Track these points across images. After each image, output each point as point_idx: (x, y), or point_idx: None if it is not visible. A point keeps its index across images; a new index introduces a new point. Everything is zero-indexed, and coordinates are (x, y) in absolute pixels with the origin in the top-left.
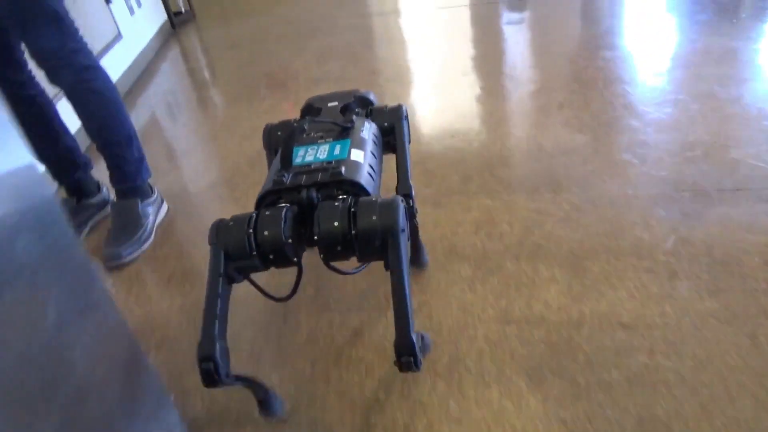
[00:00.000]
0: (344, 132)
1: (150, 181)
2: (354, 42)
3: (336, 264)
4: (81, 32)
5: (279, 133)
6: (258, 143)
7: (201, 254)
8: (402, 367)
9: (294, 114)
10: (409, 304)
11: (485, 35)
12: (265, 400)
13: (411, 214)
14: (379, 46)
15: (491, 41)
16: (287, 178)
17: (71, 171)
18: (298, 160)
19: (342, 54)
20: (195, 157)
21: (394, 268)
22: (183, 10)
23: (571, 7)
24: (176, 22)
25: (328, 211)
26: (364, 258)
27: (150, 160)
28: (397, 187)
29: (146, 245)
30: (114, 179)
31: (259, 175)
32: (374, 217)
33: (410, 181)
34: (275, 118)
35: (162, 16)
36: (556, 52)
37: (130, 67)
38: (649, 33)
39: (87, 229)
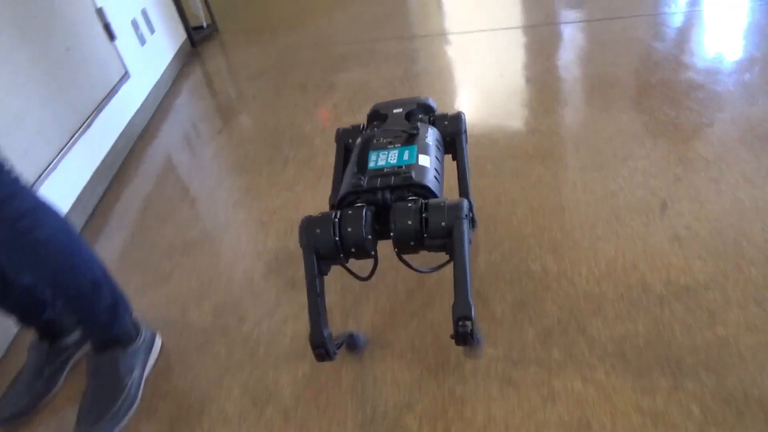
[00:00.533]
0: (411, 138)
1: (135, 314)
2: (392, 77)
3: (406, 257)
4: (14, 173)
5: (350, 140)
6: (279, 240)
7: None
8: (459, 337)
9: (328, 120)
10: (468, 277)
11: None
12: (353, 343)
13: (471, 223)
14: (424, 84)
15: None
16: (364, 181)
17: (38, 311)
18: (371, 164)
19: (378, 94)
20: (199, 256)
21: (457, 252)
22: (205, 24)
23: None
24: (197, 38)
25: (403, 211)
26: (432, 250)
27: (144, 258)
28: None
29: (128, 416)
30: (85, 334)
31: (274, 296)
32: (443, 222)
33: (470, 194)
34: (298, 195)
35: (180, 35)
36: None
37: (140, 109)
38: None
39: (65, 374)
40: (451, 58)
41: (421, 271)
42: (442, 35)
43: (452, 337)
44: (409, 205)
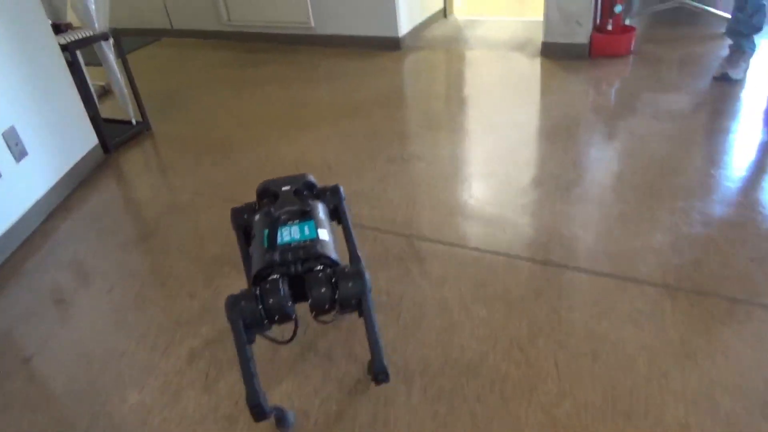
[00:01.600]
0: (305, 214)
1: None
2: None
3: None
4: None
5: (245, 216)
6: None
7: None
8: (379, 383)
9: None
10: (379, 339)
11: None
12: (282, 418)
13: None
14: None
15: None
16: (276, 256)
17: None
18: (279, 240)
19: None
20: None
21: (366, 316)
22: (134, 120)
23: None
24: (118, 140)
25: (316, 281)
26: (344, 311)
27: None
28: (350, 260)
29: None
30: None
31: None
32: (350, 284)
33: (358, 253)
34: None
35: (88, 140)
36: None
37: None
38: None
39: None
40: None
41: (326, 322)
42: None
43: (374, 380)
44: (320, 275)
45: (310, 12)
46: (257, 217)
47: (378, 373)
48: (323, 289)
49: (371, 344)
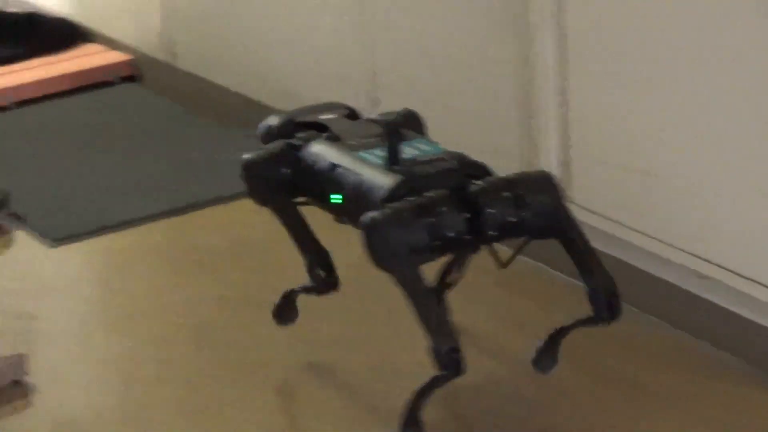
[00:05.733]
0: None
1: None
2: None
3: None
4: None
5: (288, 160)
6: None
7: None
8: (614, 312)
9: None
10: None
11: None
12: None
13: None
14: None
15: None
16: (418, 168)
17: None
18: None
19: None
20: None
21: (573, 230)
22: None
23: None
24: None
25: (495, 192)
26: (532, 234)
27: None
28: None
29: None
30: None
31: None
32: (541, 192)
33: None
34: None
35: None
36: None
37: None
38: None
39: None
40: None
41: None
42: None
43: (594, 319)
44: (498, 183)
45: None
46: (316, 147)
47: (612, 295)
48: (507, 203)
49: (586, 263)
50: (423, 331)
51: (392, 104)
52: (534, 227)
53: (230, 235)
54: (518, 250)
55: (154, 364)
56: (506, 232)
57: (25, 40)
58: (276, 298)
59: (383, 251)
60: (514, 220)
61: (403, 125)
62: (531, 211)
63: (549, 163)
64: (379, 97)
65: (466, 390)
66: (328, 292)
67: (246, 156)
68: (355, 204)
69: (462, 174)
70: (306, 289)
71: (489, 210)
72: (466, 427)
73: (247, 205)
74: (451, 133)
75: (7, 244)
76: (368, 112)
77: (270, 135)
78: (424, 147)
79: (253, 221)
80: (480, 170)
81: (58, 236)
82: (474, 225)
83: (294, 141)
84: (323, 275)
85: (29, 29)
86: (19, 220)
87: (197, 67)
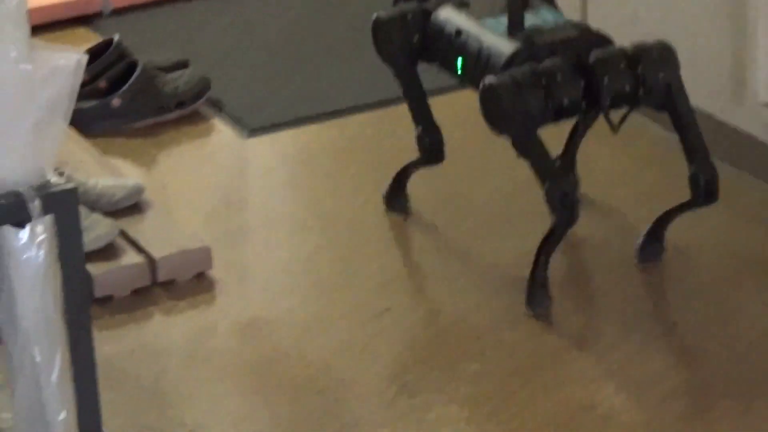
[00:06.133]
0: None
1: None
2: None
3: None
4: None
5: (419, 21)
6: None
7: None
8: (710, 195)
9: None
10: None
11: None
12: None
13: None
14: None
15: None
16: (531, 39)
17: None
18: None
19: None
20: None
21: (681, 105)
22: None
23: None
24: None
25: (612, 61)
26: (647, 103)
27: None
28: None
29: None
30: None
31: None
32: (659, 63)
33: None
34: None
35: None
36: None
37: None
38: None
39: None
40: None
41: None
42: None
43: (691, 203)
44: (615, 52)
45: None
46: (445, 12)
47: (710, 181)
48: (622, 72)
49: (691, 145)
50: (539, 183)
51: None
52: (648, 99)
53: None
54: (626, 116)
55: (341, 266)
56: (621, 101)
57: None
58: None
59: (498, 114)
60: (628, 90)
61: None
62: (646, 83)
63: None
64: None
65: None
66: (435, 164)
67: (378, 14)
68: (477, 69)
69: (582, 43)
70: (413, 164)
71: (605, 79)
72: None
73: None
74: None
75: (207, 132)
76: None
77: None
78: (547, 16)
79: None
80: (601, 40)
81: (254, 126)
82: (590, 93)
83: (426, 5)
84: (430, 145)
85: None
86: (218, 107)
87: None
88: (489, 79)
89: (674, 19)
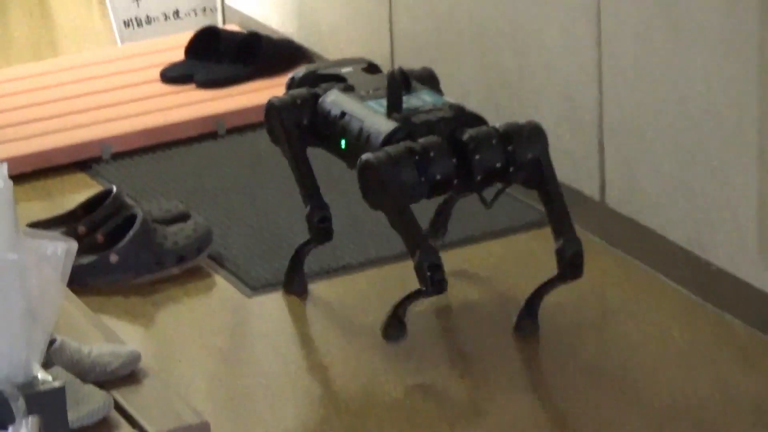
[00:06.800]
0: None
1: None
2: None
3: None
4: None
5: (307, 104)
6: None
7: None
8: (576, 270)
9: None
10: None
11: None
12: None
13: None
14: None
15: None
16: (415, 118)
17: None
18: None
19: None
20: None
21: (550, 181)
22: None
23: None
24: None
25: (485, 139)
26: (518, 183)
27: None
28: None
29: None
30: None
31: None
32: (528, 140)
33: None
34: None
35: None
36: None
37: None
38: None
39: None
40: None
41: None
42: None
43: (560, 278)
44: (488, 130)
45: None
46: (331, 96)
47: (576, 255)
48: (494, 149)
49: (558, 220)
50: (409, 254)
51: None
52: (518, 176)
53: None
54: (499, 192)
55: None
56: (492, 178)
57: (245, 61)
58: None
59: (374, 189)
60: (499, 167)
61: (408, 77)
62: (516, 160)
63: None
64: None
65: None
66: (325, 242)
67: (271, 99)
68: (358, 148)
69: (457, 122)
70: (305, 244)
71: (477, 157)
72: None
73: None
74: None
75: (208, 289)
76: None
77: (296, 84)
78: (426, 98)
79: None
80: (475, 120)
81: (257, 283)
82: (463, 169)
83: (316, 90)
84: (319, 223)
85: (250, 49)
86: (220, 263)
87: None
88: (366, 156)
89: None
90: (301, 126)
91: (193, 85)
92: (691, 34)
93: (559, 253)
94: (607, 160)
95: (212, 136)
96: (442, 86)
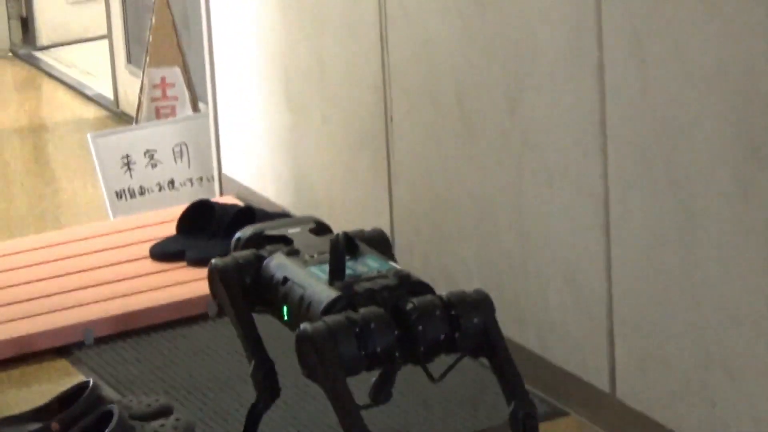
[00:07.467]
0: (354, 250)
1: None
2: None
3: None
4: None
5: (253, 266)
6: None
7: None
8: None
9: None
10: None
11: None
12: None
13: None
14: None
15: None
16: (356, 287)
17: None
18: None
19: None
20: None
21: (499, 349)
22: None
23: None
24: None
25: (427, 311)
26: (466, 352)
27: None
28: None
29: None
30: None
31: None
32: (475, 311)
33: None
34: None
35: None
36: None
37: None
38: None
39: None
40: None
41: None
42: None
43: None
44: (432, 301)
45: None
46: (275, 260)
47: (528, 417)
48: (440, 322)
49: (510, 384)
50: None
51: None
52: (465, 346)
53: None
54: (451, 367)
55: None
56: (437, 349)
57: None
58: None
59: (311, 362)
60: (444, 337)
61: (354, 241)
62: (463, 331)
63: None
64: None
65: None
66: (274, 399)
67: (214, 260)
68: (299, 317)
69: (401, 291)
70: (255, 406)
71: (420, 328)
72: None
73: None
74: None
75: None
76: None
77: (242, 245)
78: (372, 263)
79: None
80: (421, 288)
81: None
82: (405, 342)
83: (261, 252)
84: (264, 378)
85: (244, 224)
86: None
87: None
88: (304, 326)
89: None
90: (244, 287)
91: (183, 263)
92: (704, 222)
93: (513, 416)
94: (617, 350)
95: (203, 317)
96: (446, 263)
